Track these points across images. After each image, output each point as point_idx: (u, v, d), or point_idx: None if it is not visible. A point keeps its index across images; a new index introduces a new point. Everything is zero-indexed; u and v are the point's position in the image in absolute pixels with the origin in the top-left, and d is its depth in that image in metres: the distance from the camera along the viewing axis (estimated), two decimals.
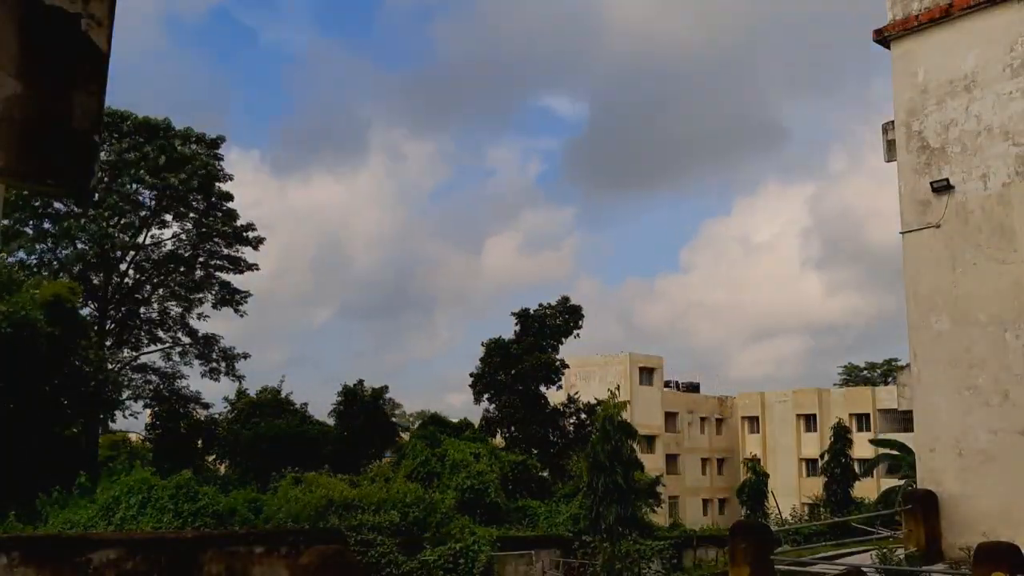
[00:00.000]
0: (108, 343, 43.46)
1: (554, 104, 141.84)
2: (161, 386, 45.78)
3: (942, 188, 16.06)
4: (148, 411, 45.40)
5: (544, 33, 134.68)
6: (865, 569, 14.94)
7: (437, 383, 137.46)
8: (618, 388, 30.45)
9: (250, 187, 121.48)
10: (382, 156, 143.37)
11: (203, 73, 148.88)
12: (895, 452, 38.15)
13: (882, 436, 49.29)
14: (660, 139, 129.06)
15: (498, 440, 46.36)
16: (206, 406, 46.67)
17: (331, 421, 45.65)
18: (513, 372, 46.65)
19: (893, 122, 17.25)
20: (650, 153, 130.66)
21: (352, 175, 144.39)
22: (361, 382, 45.94)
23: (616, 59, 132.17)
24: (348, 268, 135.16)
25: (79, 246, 42.40)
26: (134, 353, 46.41)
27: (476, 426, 45.45)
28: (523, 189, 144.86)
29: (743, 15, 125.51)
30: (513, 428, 46.74)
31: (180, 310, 46.99)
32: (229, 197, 45.46)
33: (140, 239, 44.57)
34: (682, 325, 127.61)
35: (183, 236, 45.93)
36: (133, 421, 45.77)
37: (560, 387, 49.49)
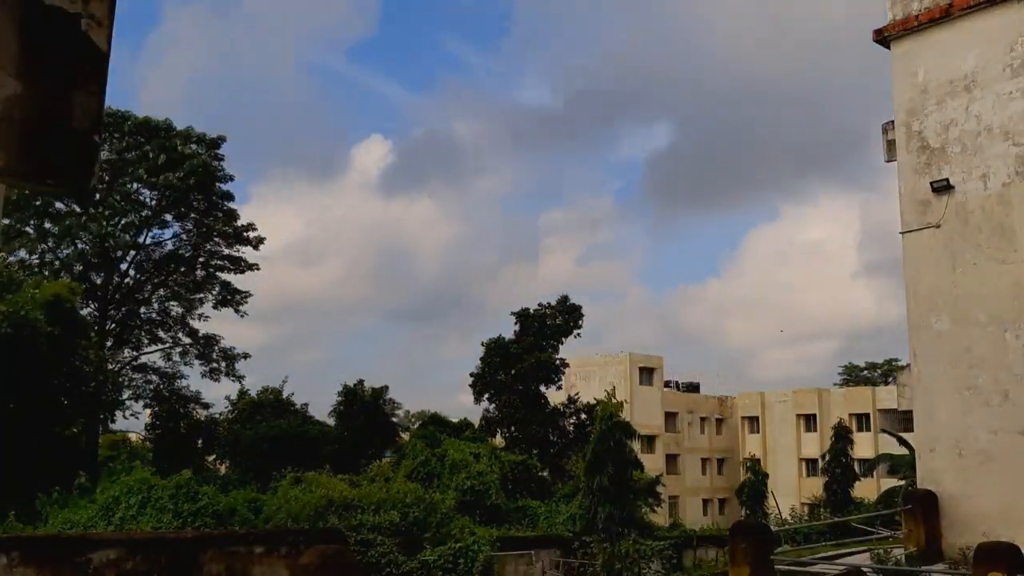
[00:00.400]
0: (108, 343, 43.45)
1: (647, 126, 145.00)
2: (161, 386, 45.78)
3: (942, 188, 16.06)
4: (148, 411, 45.44)
5: (648, 60, 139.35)
6: (865, 569, 14.95)
7: (455, 383, 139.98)
8: (614, 388, 30.44)
9: (356, 207, 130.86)
10: (477, 178, 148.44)
11: (327, 104, 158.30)
12: (902, 449, 38.00)
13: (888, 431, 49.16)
14: (740, 158, 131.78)
15: (498, 440, 46.36)
16: (206, 406, 46.72)
17: (331, 421, 45.67)
18: (513, 372, 46.63)
19: (893, 122, 17.26)
20: (727, 171, 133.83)
21: (447, 195, 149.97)
22: (361, 382, 45.98)
23: (709, 83, 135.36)
24: (411, 277, 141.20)
25: (80, 246, 42.42)
26: (134, 353, 46.44)
27: (476, 426, 45.46)
28: (599, 205, 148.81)
29: (837, 38, 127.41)
30: (513, 428, 46.74)
31: (181, 310, 47.02)
32: (230, 197, 45.49)
33: (141, 239, 44.59)
34: (720, 328, 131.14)
35: (184, 236, 45.99)
36: (133, 421, 45.81)
37: (560, 387, 49.49)
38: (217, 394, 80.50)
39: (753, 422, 74.98)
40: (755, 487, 41.87)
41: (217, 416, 46.37)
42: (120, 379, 43.31)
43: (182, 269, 46.26)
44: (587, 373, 64.25)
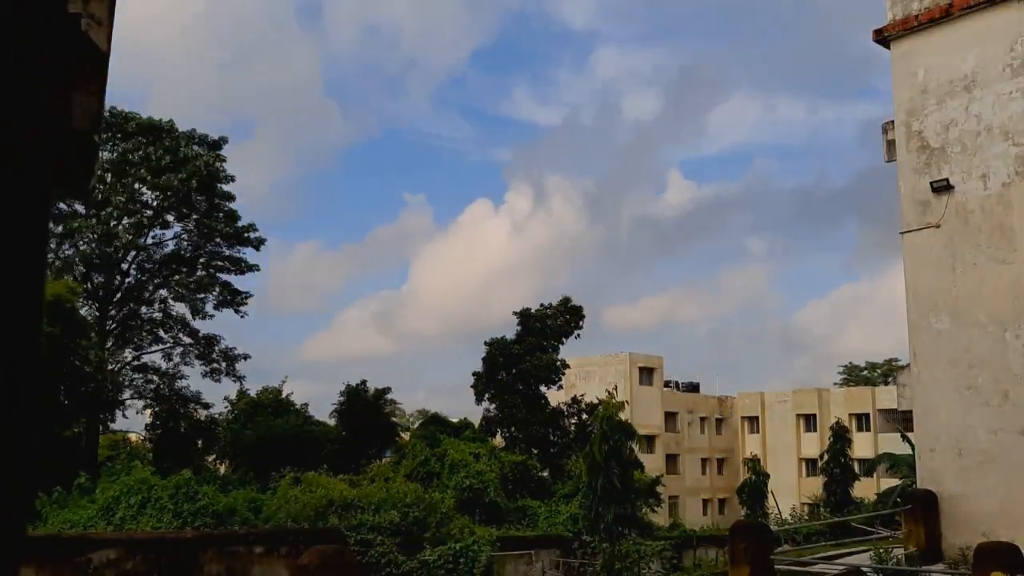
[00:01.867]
0: (109, 343, 43.45)
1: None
2: (161, 386, 45.77)
3: (942, 188, 16.07)
4: (148, 411, 45.42)
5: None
6: (865, 569, 14.96)
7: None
8: (616, 388, 30.45)
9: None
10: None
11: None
12: (903, 448, 37.85)
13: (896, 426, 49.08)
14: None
15: (498, 440, 46.34)
16: (206, 406, 46.70)
17: (332, 421, 45.67)
18: (514, 372, 46.62)
19: (893, 122, 17.27)
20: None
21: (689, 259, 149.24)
22: (363, 382, 45.95)
23: None
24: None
25: (82, 247, 42.43)
26: (135, 353, 46.44)
27: (476, 426, 45.45)
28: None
29: None
30: (513, 428, 46.73)
31: (181, 310, 47.05)
32: (231, 198, 45.50)
33: (142, 239, 44.59)
34: (838, 334, 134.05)
35: (184, 236, 46.01)
36: (133, 421, 45.85)
37: (561, 387, 49.47)
38: (219, 394, 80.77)
39: (753, 422, 74.97)
40: (756, 487, 41.85)
41: (217, 416, 46.40)
42: (120, 379, 43.31)
43: (183, 269, 46.27)
44: (587, 373, 64.24)
